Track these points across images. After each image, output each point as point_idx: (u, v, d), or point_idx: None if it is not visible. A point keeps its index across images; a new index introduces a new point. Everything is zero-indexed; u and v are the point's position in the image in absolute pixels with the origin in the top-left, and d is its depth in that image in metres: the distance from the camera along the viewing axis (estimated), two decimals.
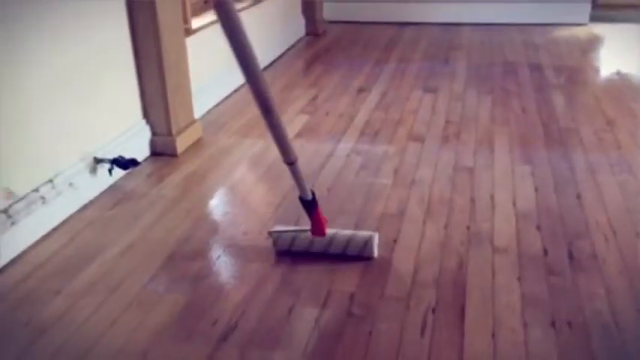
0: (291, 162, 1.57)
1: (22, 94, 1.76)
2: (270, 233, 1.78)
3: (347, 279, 1.63)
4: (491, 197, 2.04)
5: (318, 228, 1.74)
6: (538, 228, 1.85)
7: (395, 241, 1.81)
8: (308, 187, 1.68)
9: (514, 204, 1.99)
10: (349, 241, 1.72)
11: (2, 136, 1.69)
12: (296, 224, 1.88)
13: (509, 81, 3.23)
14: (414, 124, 2.69)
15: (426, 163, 2.30)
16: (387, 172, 2.24)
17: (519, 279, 1.61)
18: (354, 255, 1.72)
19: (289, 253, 1.75)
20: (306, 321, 1.48)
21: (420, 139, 2.53)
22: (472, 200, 2.02)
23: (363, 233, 1.75)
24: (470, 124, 2.67)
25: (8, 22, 1.68)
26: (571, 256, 1.71)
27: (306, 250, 1.75)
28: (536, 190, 2.08)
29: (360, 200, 2.04)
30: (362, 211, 1.98)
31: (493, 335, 1.41)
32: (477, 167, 2.26)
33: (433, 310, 1.50)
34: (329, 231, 1.75)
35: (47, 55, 1.84)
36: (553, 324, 1.45)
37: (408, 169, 2.26)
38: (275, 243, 1.77)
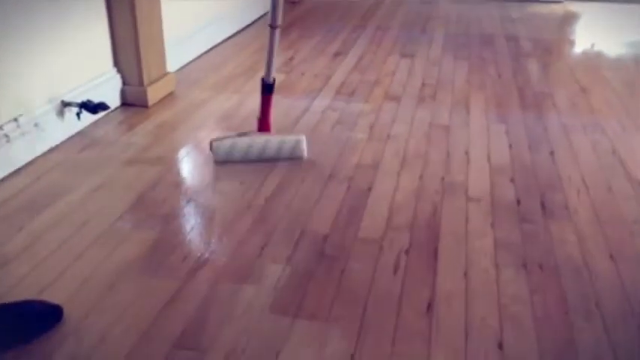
0: (275, 26, 1.83)
1: None
2: (211, 143, 1.89)
3: (320, 221, 1.61)
4: (466, 152, 2.04)
5: (264, 123, 1.94)
6: (512, 181, 1.85)
7: (369, 189, 1.79)
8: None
9: (488, 159, 1.99)
10: (281, 145, 1.90)
11: None
12: (268, 174, 1.85)
13: (485, 49, 3.23)
14: (391, 85, 2.67)
15: (401, 121, 2.29)
16: (363, 127, 2.23)
17: (492, 225, 1.61)
18: (286, 157, 1.90)
19: (227, 163, 1.87)
20: (278, 259, 1.45)
21: (396, 98, 2.51)
22: (447, 155, 2.02)
23: (292, 137, 1.92)
24: (446, 86, 2.66)
25: None
26: (544, 207, 1.71)
27: (243, 158, 1.88)
28: (510, 146, 2.08)
29: (335, 152, 2.02)
30: (337, 161, 1.95)
31: (465, 275, 1.41)
32: (452, 125, 2.25)
33: (406, 252, 1.49)
34: (262, 138, 1.91)
35: None
36: (525, 266, 1.45)
37: (383, 126, 2.24)
38: (214, 153, 1.88)
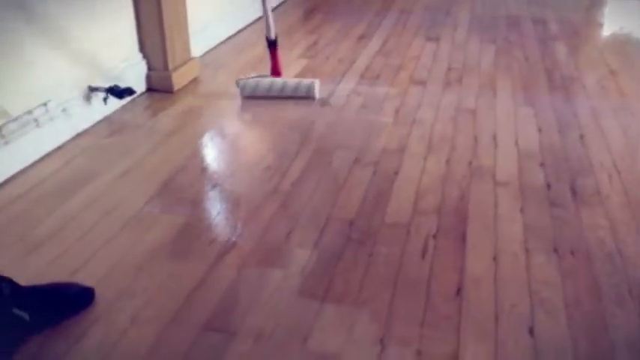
0: None
1: (20, 17, 1.70)
2: (237, 82, 2.29)
3: (346, 206, 1.61)
4: (494, 137, 2.01)
5: (275, 70, 2.35)
6: (541, 165, 1.82)
7: (396, 173, 1.78)
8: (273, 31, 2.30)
9: (517, 143, 1.96)
10: (297, 87, 2.27)
11: None
12: (293, 159, 1.85)
13: (512, 32, 3.17)
14: (416, 69, 2.64)
15: (427, 105, 2.26)
16: (388, 111, 2.21)
17: (522, 210, 1.59)
18: (302, 96, 2.26)
19: (253, 98, 2.26)
20: (305, 243, 1.45)
21: (421, 82, 2.48)
22: (474, 139, 1.99)
23: (307, 81, 2.29)
24: (472, 70, 2.62)
25: None
26: (574, 191, 1.68)
27: (265, 94, 2.26)
28: (539, 130, 2.05)
29: (361, 136, 2.01)
30: (362, 145, 1.94)
31: (494, 259, 1.40)
32: (479, 109, 2.22)
33: (434, 236, 1.48)
34: (281, 80, 2.30)
35: None
36: (556, 251, 1.43)
37: (409, 110, 2.22)
38: (242, 90, 2.27)
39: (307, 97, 2.26)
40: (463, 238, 1.47)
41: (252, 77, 2.31)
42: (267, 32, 2.30)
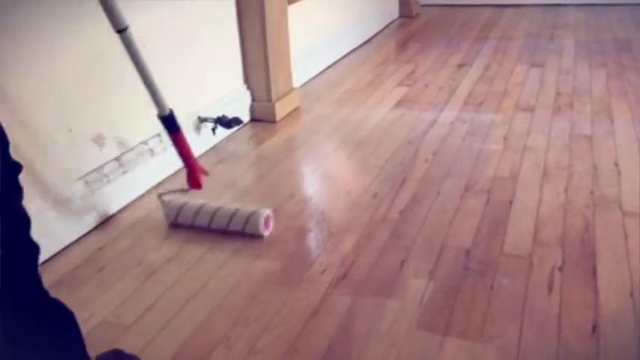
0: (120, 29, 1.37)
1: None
2: (160, 196, 1.67)
3: (461, 235, 1.54)
4: (616, 164, 1.88)
5: (192, 178, 1.57)
6: None
7: (510, 202, 1.69)
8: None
9: None
10: (234, 215, 1.56)
11: (116, 90, 1.71)
12: (400, 187, 1.80)
13: (623, 56, 3.01)
14: (521, 95, 2.54)
15: (537, 131, 2.16)
16: (496, 138, 2.12)
17: None
18: (238, 231, 1.55)
19: (177, 226, 1.62)
20: (420, 273, 1.39)
21: (528, 109, 2.38)
22: (594, 166, 1.87)
23: (251, 208, 1.57)
24: (583, 95, 2.49)
25: None
26: None
27: (191, 224, 1.59)
28: None
29: (469, 164, 1.94)
30: (471, 174, 1.87)
31: (631, 295, 1.28)
32: (595, 135, 2.09)
33: (560, 269, 1.38)
34: (213, 204, 1.60)
35: (159, 18, 1.86)
36: None
37: (518, 137, 2.12)
38: (165, 213, 1.63)
39: (249, 234, 1.56)
40: (593, 272, 1.36)
41: (176, 192, 1.69)
42: (158, 108, 1.52)
